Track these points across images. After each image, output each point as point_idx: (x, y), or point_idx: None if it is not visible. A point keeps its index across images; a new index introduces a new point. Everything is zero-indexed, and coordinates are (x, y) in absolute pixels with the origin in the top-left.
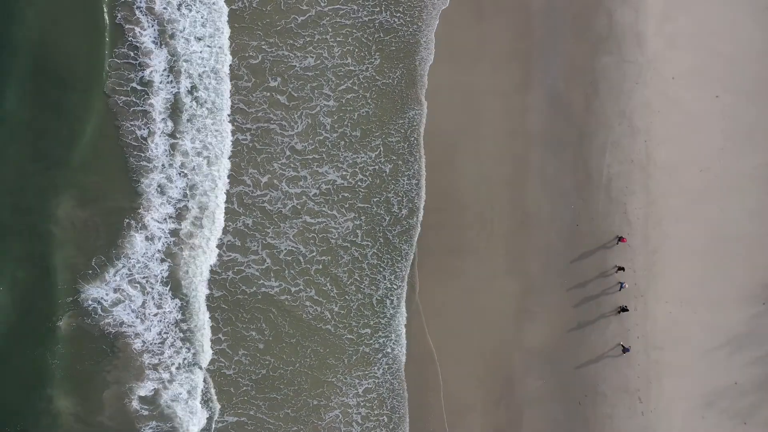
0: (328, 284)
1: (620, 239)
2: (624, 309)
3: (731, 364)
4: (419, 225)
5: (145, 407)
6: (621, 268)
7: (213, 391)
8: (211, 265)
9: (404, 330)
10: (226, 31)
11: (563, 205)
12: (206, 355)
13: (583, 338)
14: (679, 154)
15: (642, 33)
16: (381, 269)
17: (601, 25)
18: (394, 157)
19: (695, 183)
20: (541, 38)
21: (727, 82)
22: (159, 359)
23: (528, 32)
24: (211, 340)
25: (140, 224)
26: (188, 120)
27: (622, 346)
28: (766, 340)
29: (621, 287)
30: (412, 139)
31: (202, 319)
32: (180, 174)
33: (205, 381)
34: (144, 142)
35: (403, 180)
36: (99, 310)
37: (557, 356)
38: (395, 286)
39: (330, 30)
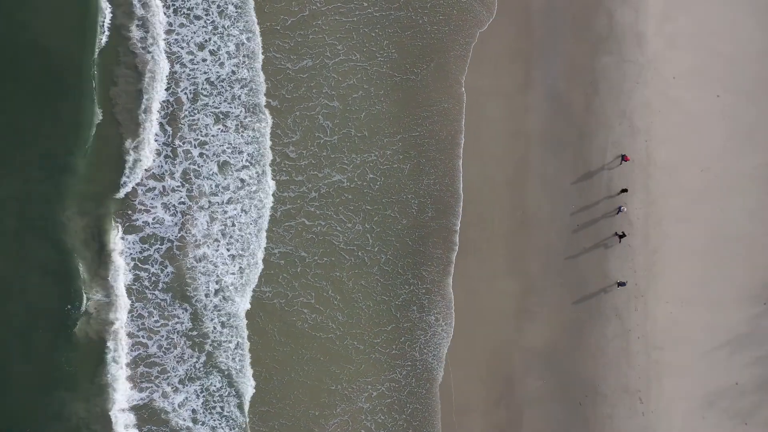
0: (330, 290)
1: (623, 157)
2: (623, 235)
3: (732, 365)
4: (458, 224)
5: (155, 414)
6: (624, 190)
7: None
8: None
9: (445, 336)
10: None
11: (563, 205)
12: (245, 372)
13: (583, 335)
14: (680, 154)
15: (642, 33)
16: (400, 274)
17: (601, 25)
18: (415, 153)
19: (695, 183)
20: (541, 38)
21: (727, 81)
22: (172, 367)
23: (528, 32)
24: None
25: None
26: (190, 126)
27: (618, 282)
28: (767, 340)
29: (619, 211)
30: (443, 134)
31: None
32: (184, 182)
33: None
34: (146, 147)
35: (427, 180)
36: (109, 315)
37: (557, 356)
38: (423, 291)
39: (326, 28)
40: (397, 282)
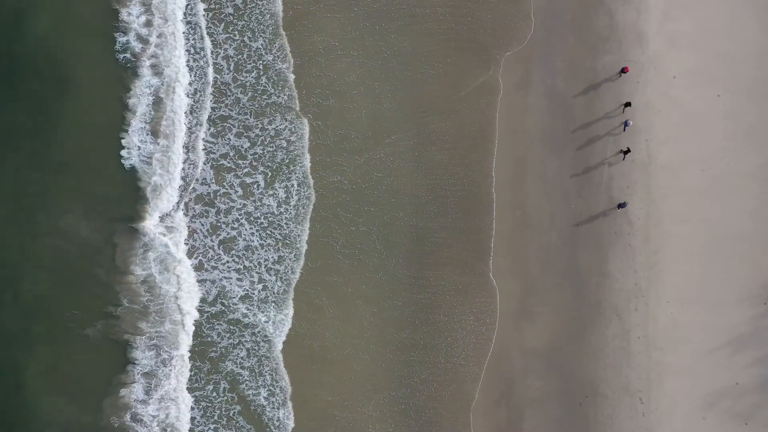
0: (323, 297)
1: (624, 70)
2: (627, 150)
3: (732, 365)
4: (493, 225)
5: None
6: (628, 104)
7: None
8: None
9: (489, 336)
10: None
11: (563, 205)
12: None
13: (584, 335)
14: (681, 153)
15: (643, 32)
16: (416, 278)
17: (602, 25)
18: (435, 149)
19: (696, 183)
20: (541, 38)
21: (728, 81)
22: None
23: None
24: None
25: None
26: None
27: (619, 204)
28: (767, 340)
29: (625, 127)
30: (473, 130)
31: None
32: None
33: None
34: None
35: (451, 179)
36: (120, 322)
37: (558, 356)
38: (451, 292)
39: (311, 27)
40: (413, 286)
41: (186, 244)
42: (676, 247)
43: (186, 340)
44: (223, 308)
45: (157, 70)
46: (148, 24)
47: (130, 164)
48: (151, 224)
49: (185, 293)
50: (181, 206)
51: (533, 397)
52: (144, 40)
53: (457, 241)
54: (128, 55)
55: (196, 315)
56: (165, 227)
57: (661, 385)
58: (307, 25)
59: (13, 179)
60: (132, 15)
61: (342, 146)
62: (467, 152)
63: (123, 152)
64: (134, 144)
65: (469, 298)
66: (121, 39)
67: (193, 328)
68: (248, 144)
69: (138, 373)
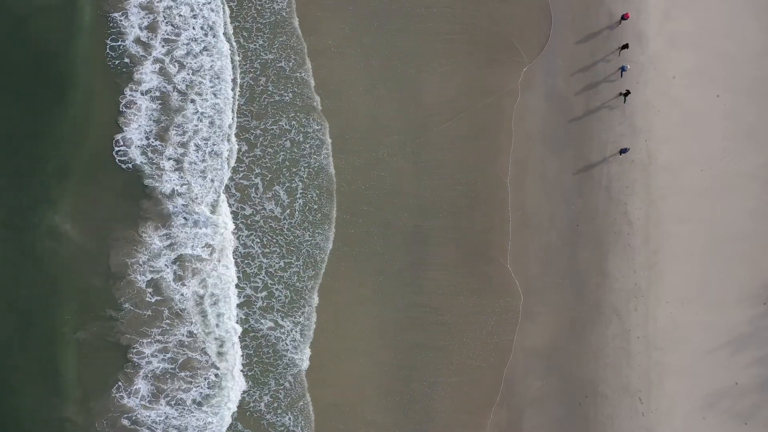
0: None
1: (624, 16)
2: (627, 93)
3: (732, 365)
4: (509, 228)
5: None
6: (625, 47)
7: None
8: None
9: (510, 333)
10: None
11: (563, 205)
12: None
13: (584, 335)
14: (680, 153)
15: (643, 32)
16: (424, 280)
17: (602, 25)
18: (448, 147)
19: (696, 183)
20: None
21: (728, 81)
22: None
23: None
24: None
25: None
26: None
27: (620, 150)
28: (767, 340)
29: (622, 72)
30: (488, 131)
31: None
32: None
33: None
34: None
35: (464, 178)
36: (116, 327)
37: (558, 356)
38: (466, 290)
39: (302, 27)
40: (422, 289)
41: (208, 246)
42: (676, 247)
43: (203, 346)
44: (228, 312)
45: (168, 75)
46: (154, 28)
47: (143, 166)
48: (174, 223)
49: (210, 296)
50: (204, 207)
51: (533, 397)
52: (148, 45)
53: (469, 241)
54: (126, 60)
55: (221, 319)
56: (185, 230)
57: (661, 385)
58: (297, 26)
59: (24, 181)
60: (146, 17)
61: (338, 147)
62: (477, 152)
63: (135, 154)
64: (141, 144)
65: (488, 299)
66: (124, 42)
67: (214, 333)
68: (276, 152)
69: (147, 375)
